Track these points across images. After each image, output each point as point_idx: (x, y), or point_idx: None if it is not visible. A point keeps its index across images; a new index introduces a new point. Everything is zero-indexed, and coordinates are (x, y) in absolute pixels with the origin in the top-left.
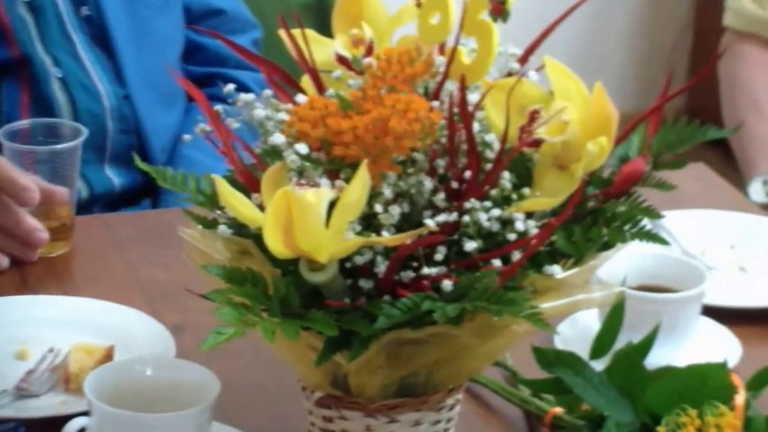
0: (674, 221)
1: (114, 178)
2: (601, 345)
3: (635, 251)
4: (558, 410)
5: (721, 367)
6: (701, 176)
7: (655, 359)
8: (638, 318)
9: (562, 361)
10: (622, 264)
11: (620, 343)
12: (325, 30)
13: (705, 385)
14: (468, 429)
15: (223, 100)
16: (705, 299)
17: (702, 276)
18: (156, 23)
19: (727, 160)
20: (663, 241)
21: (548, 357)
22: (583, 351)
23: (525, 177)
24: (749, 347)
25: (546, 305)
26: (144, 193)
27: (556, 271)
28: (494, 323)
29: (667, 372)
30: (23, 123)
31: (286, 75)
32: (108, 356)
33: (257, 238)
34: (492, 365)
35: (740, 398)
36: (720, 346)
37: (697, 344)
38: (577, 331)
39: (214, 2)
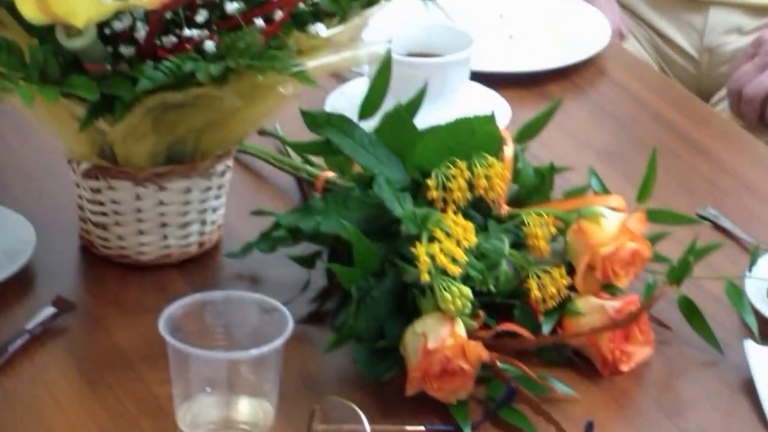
0: None
1: None
2: (368, 104)
3: (404, 21)
4: (329, 173)
5: (489, 119)
6: None
7: (425, 122)
8: (406, 83)
9: (331, 122)
10: (391, 33)
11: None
12: None
13: (473, 138)
14: (240, 198)
15: None
16: (475, 66)
17: (468, 40)
18: None
19: None
20: None
21: (317, 119)
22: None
23: None
24: (519, 110)
25: (312, 63)
26: None
27: (321, 29)
28: (260, 84)
29: (436, 129)
30: None
31: None
32: None
33: (10, 6)
34: (262, 135)
35: (509, 150)
36: (490, 108)
37: (467, 108)
38: (344, 102)
39: None
